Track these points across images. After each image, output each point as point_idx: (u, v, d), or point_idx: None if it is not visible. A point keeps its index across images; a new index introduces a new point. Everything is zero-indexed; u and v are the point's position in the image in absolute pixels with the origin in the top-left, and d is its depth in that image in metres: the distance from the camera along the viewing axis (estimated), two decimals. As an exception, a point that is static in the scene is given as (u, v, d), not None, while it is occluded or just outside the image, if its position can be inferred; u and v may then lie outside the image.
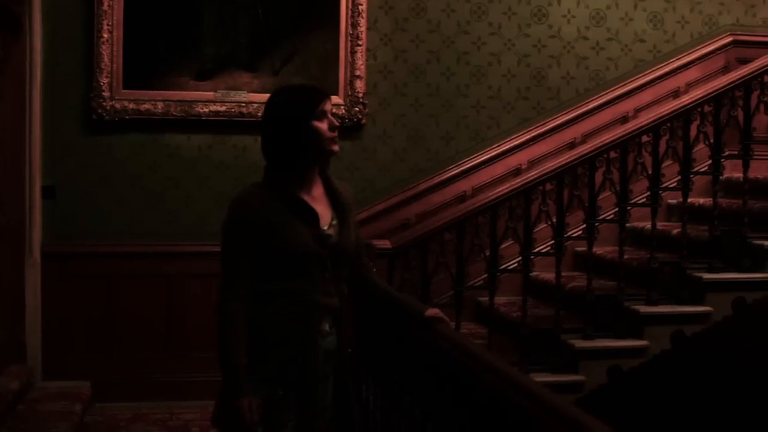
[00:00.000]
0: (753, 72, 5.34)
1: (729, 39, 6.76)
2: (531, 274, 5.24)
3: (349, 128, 6.22)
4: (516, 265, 5.43)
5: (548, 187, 5.11)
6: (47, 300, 5.90)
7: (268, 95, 3.16)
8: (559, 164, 5.12)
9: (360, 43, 6.26)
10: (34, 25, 5.72)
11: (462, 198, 6.29)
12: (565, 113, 6.60)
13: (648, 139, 5.26)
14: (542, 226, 5.26)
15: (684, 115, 5.27)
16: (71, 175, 6.08)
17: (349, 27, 6.25)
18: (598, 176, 5.15)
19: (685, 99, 5.35)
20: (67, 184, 6.07)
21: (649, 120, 5.25)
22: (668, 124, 5.25)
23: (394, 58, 6.43)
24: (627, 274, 5.24)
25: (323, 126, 3.01)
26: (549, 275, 5.52)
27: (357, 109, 6.28)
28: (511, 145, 6.52)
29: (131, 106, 6.07)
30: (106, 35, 5.99)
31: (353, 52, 6.26)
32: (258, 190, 3.03)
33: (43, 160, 5.90)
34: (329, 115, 3.05)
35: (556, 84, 6.63)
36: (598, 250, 5.55)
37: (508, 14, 6.56)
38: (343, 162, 6.13)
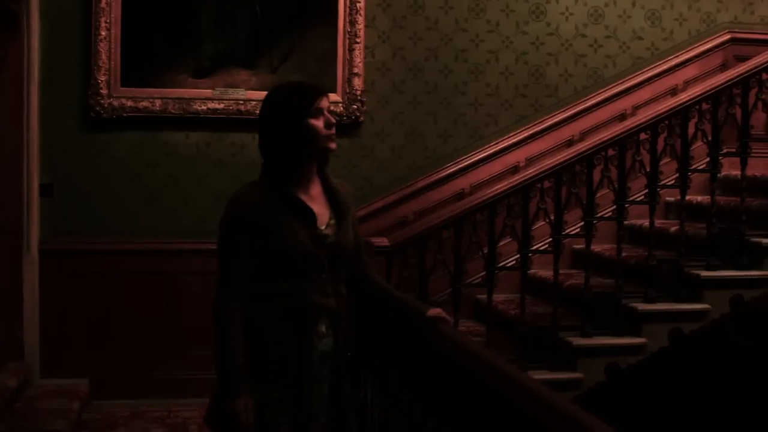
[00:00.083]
0: (751, 69, 5.34)
1: (727, 36, 6.77)
2: (529, 271, 5.23)
3: (347, 126, 6.22)
4: (514, 262, 5.43)
5: (546, 184, 5.11)
6: (45, 297, 5.90)
7: (265, 93, 3.13)
8: (557, 162, 5.12)
9: (358, 40, 6.26)
10: (32, 24, 5.71)
11: (460, 195, 6.29)
12: (563, 111, 6.60)
13: (646, 136, 5.26)
14: (540, 223, 5.26)
15: (682, 113, 5.27)
16: (69, 172, 6.08)
17: (347, 25, 6.25)
18: (596, 174, 5.15)
19: (683, 96, 5.35)
20: (65, 181, 6.07)
21: (647, 117, 5.25)
22: (666, 122, 5.25)
23: (392, 56, 6.43)
24: (625, 271, 5.24)
25: (319, 123, 2.98)
26: (547, 273, 5.52)
27: (355, 106, 6.28)
28: (509, 142, 6.52)
29: (129, 103, 6.07)
30: (103, 33, 5.99)
31: (351, 50, 6.26)
32: (255, 189, 3.00)
33: (41, 158, 5.90)
34: (326, 113, 3.02)
35: (554, 81, 6.63)
36: (596, 247, 5.56)
37: (506, 11, 6.56)
38: (341, 160, 6.13)
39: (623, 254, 5.26)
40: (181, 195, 6.22)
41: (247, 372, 2.88)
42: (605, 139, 5.19)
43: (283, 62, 6.22)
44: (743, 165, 5.35)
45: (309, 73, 6.11)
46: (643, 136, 5.25)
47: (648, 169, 5.22)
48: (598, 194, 5.21)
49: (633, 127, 5.22)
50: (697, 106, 5.28)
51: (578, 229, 5.56)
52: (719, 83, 5.31)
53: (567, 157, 5.14)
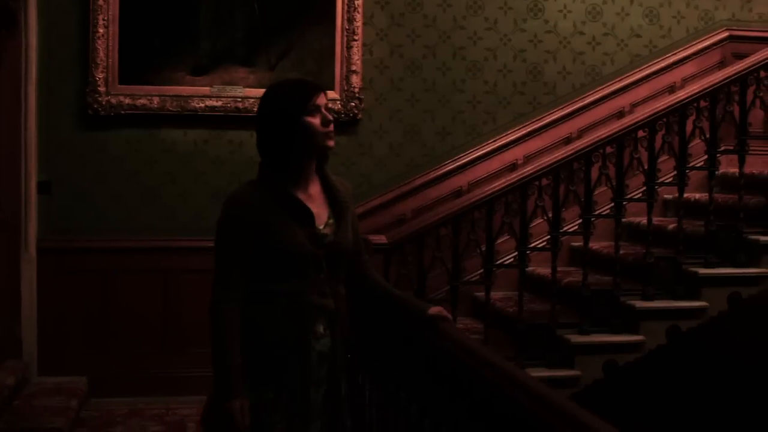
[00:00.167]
0: (749, 67, 5.34)
1: (725, 34, 6.77)
2: (527, 269, 5.23)
3: (345, 123, 6.22)
4: (512, 260, 5.42)
5: (544, 182, 5.11)
6: (43, 295, 5.90)
7: (263, 90, 3.10)
8: (555, 159, 5.12)
9: (356, 38, 6.26)
10: (30, 21, 5.71)
11: (458, 193, 6.29)
12: (561, 108, 6.60)
13: (644, 134, 5.26)
14: (538, 221, 5.26)
15: (680, 110, 5.27)
16: (67, 170, 6.08)
17: (345, 22, 6.25)
18: (594, 171, 5.15)
19: (681, 94, 5.35)
20: (63, 179, 6.07)
21: (645, 115, 5.25)
22: (664, 119, 5.26)
23: (390, 53, 6.43)
24: (623, 269, 5.25)
25: (316, 121, 2.94)
26: (545, 270, 5.52)
27: (353, 104, 6.28)
28: (507, 140, 6.52)
29: (127, 101, 6.06)
30: (101, 30, 5.98)
31: (349, 47, 6.26)
32: (252, 188, 2.97)
33: (39, 156, 5.90)
34: (323, 110, 2.97)
35: (552, 79, 6.63)
36: (594, 245, 5.56)
37: (504, 9, 6.56)
38: (339, 157, 6.13)
39: (621, 252, 5.27)
40: (179, 192, 6.22)
41: (244, 373, 2.85)
42: (603, 136, 5.19)
43: (281, 60, 6.22)
44: (741, 162, 5.35)
45: (307, 71, 6.11)
46: (641, 133, 5.25)
47: (646, 167, 5.23)
48: (596, 192, 5.21)
49: (631, 125, 5.22)
50: (695, 104, 5.28)
51: (576, 227, 5.55)
52: (717, 81, 5.32)
53: (565, 155, 5.14)
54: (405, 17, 6.43)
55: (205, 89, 6.16)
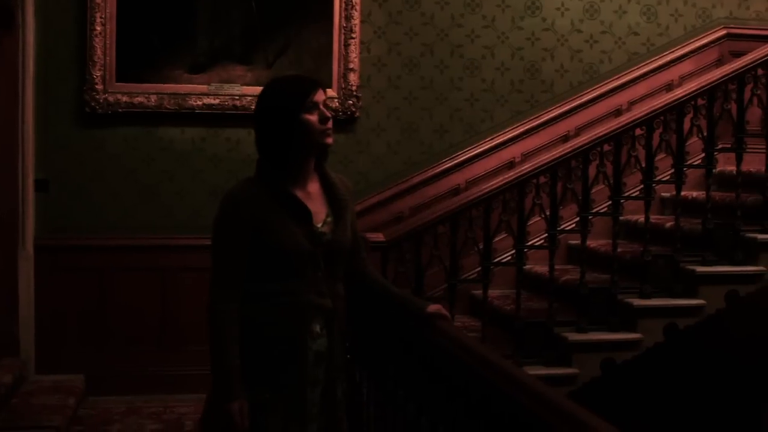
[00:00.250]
0: (746, 65, 5.34)
1: (722, 32, 6.77)
2: (524, 267, 5.23)
3: (343, 121, 6.21)
4: (509, 258, 5.43)
5: (542, 180, 5.11)
6: (40, 293, 5.90)
7: (261, 88, 3.07)
8: (552, 157, 5.12)
9: (353, 36, 6.26)
10: (27, 19, 5.71)
11: (456, 191, 6.30)
12: (559, 106, 6.60)
13: (641, 132, 5.26)
14: (536, 219, 5.26)
15: (677, 108, 5.27)
16: (64, 168, 6.07)
17: (343, 20, 6.24)
18: (592, 169, 5.15)
19: (679, 92, 5.35)
20: (61, 177, 6.06)
21: (643, 113, 5.25)
22: (662, 117, 5.26)
23: (387, 51, 6.42)
24: (620, 267, 5.25)
25: (313, 118, 2.91)
26: (542, 268, 5.52)
27: (350, 102, 6.28)
28: (505, 138, 6.52)
29: (124, 99, 6.06)
30: (99, 28, 5.97)
31: (347, 45, 6.25)
32: (250, 186, 2.94)
33: (36, 154, 5.90)
34: (321, 107, 2.94)
35: (549, 77, 6.63)
36: (591, 243, 5.56)
37: (502, 7, 6.55)
38: (336, 155, 6.13)
39: (619, 250, 5.27)
40: (177, 190, 6.22)
41: (242, 373, 2.83)
42: (601, 134, 5.19)
43: (279, 57, 6.21)
44: (738, 160, 5.35)
45: (304, 69, 6.10)
46: (638, 131, 5.26)
47: (643, 165, 5.23)
48: (594, 190, 5.20)
49: (628, 123, 5.22)
50: (693, 102, 5.28)
51: (574, 225, 5.56)
52: (715, 79, 5.32)
53: (562, 153, 5.14)
54: (403, 15, 6.43)
55: (203, 87, 6.16)
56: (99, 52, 5.99)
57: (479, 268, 5.22)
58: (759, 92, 5.37)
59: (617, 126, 5.22)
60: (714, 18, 6.81)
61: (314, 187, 3.03)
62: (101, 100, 6.02)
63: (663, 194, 6.25)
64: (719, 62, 6.57)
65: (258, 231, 2.87)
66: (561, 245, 5.52)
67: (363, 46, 6.33)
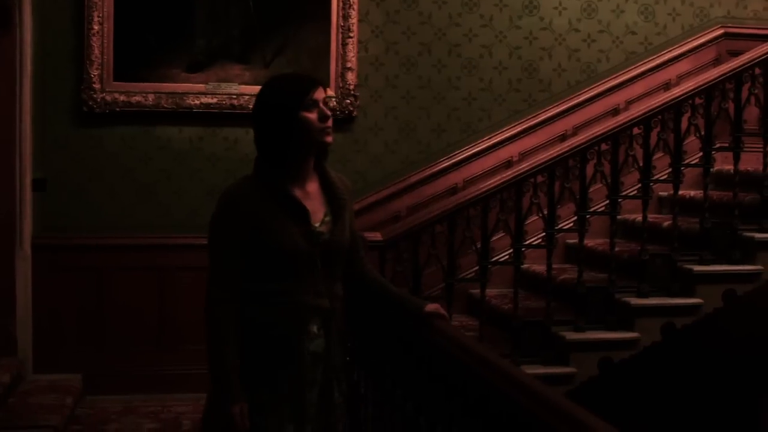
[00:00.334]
0: (744, 64, 5.35)
1: (720, 31, 6.77)
2: (522, 266, 5.24)
3: (341, 120, 6.21)
4: (507, 257, 5.43)
5: (539, 179, 5.11)
6: (38, 293, 5.90)
7: (259, 87, 3.03)
8: (550, 156, 5.12)
9: (351, 35, 6.25)
10: (24, 18, 5.70)
11: (453, 190, 6.29)
12: (557, 105, 6.60)
13: (639, 131, 5.26)
14: (533, 218, 5.27)
15: (675, 108, 5.27)
16: (62, 167, 6.07)
17: (341, 19, 6.24)
18: (590, 168, 5.15)
19: (676, 91, 5.36)
20: (58, 176, 6.06)
21: (640, 112, 5.26)
22: (659, 117, 5.26)
23: (385, 50, 6.42)
24: (618, 266, 5.25)
25: (313, 116, 2.87)
26: (540, 267, 5.52)
27: (348, 101, 6.28)
28: (503, 137, 6.52)
29: (122, 98, 6.06)
30: (96, 27, 5.97)
31: (344, 45, 6.25)
32: (248, 184, 2.91)
33: (34, 153, 5.89)
34: (321, 105, 2.89)
35: (547, 76, 6.63)
36: (589, 242, 5.56)
37: (500, 6, 6.55)
38: (334, 154, 6.02)
39: (616, 249, 5.27)
40: (174, 190, 6.21)
41: (241, 375, 2.81)
42: (598, 133, 5.19)
43: (277, 57, 6.21)
44: (736, 160, 5.36)
45: (302, 68, 6.09)
46: (636, 130, 5.26)
47: (641, 164, 5.23)
48: (591, 189, 5.22)
49: (626, 122, 5.23)
50: (690, 101, 5.28)
51: (571, 224, 5.57)
52: (712, 78, 5.32)
53: (560, 152, 5.14)
54: (400, 14, 6.43)
55: (200, 86, 6.16)
56: (96, 51, 5.98)
57: (477, 268, 5.23)
58: (756, 91, 5.38)
59: (615, 125, 5.22)
60: (712, 17, 6.81)
61: (313, 186, 2.99)
62: (99, 99, 6.02)
63: (661, 193, 6.25)
64: (717, 61, 6.57)
65: (255, 230, 2.84)
66: (558, 244, 5.51)
67: (361, 45, 6.33)
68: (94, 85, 6.00)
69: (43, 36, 6.00)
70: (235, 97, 6.17)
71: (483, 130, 6.53)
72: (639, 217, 5.41)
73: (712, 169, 5.40)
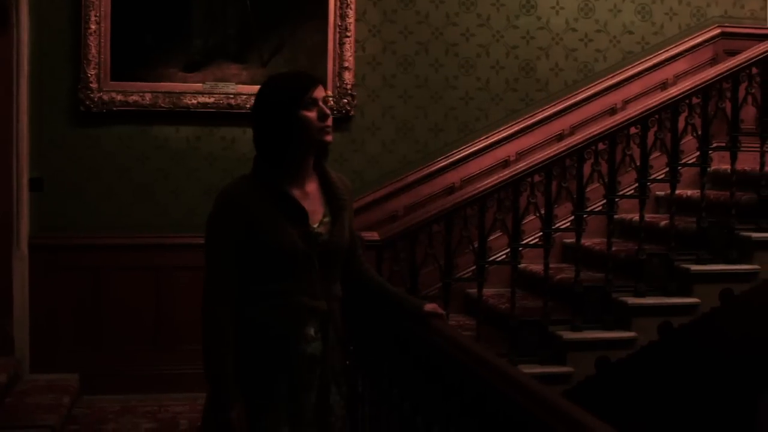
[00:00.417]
0: (741, 64, 5.35)
1: (717, 31, 6.77)
2: (519, 265, 5.25)
3: (338, 120, 6.18)
4: (504, 256, 5.43)
5: (537, 178, 5.11)
6: (35, 292, 5.89)
7: (256, 87, 3.00)
8: (547, 156, 5.13)
9: (348, 34, 6.25)
10: (21, 17, 5.69)
11: (450, 190, 6.30)
12: (554, 105, 6.60)
13: (636, 130, 5.27)
14: (530, 217, 5.27)
15: (672, 107, 5.28)
16: (59, 167, 6.06)
17: (338, 18, 6.24)
18: (587, 168, 5.16)
19: (674, 91, 5.36)
20: (55, 176, 6.05)
21: (638, 112, 5.26)
22: (656, 116, 5.26)
23: (382, 50, 6.42)
24: (615, 265, 5.26)
25: (312, 115, 2.83)
26: (537, 267, 5.53)
27: (345, 100, 6.28)
28: (500, 136, 6.52)
29: (119, 97, 6.05)
30: (93, 27, 5.96)
31: (342, 44, 6.25)
32: (245, 184, 2.88)
33: (31, 153, 5.88)
34: (320, 104, 2.85)
35: (544, 76, 6.63)
36: (586, 241, 5.57)
37: (497, 5, 6.56)
38: (331, 154, 5.93)
39: (613, 248, 5.28)
40: (172, 189, 6.21)
41: (238, 378, 2.78)
42: (595, 133, 5.20)
43: (274, 56, 6.21)
44: (733, 159, 5.37)
45: (299, 67, 6.08)
46: (633, 130, 5.27)
47: (638, 163, 5.24)
48: (589, 188, 5.22)
49: (623, 122, 5.23)
50: (687, 101, 5.29)
51: (568, 223, 5.57)
52: (709, 77, 5.33)
53: (557, 152, 5.14)
54: (397, 14, 6.43)
55: (198, 86, 6.15)
56: (93, 50, 5.98)
57: (474, 267, 5.24)
58: (753, 91, 5.38)
59: (612, 125, 5.23)
60: (708, 17, 6.81)
61: (312, 186, 2.96)
62: (96, 99, 6.01)
63: (658, 193, 6.26)
64: (714, 61, 6.58)
65: (252, 230, 2.80)
66: (556, 244, 5.52)
67: (358, 44, 6.33)
68: (91, 85, 6.00)
69: (40, 35, 5.99)
70: (232, 96, 6.16)
71: (480, 130, 6.54)
72: (636, 217, 5.41)
73: (709, 169, 5.40)
